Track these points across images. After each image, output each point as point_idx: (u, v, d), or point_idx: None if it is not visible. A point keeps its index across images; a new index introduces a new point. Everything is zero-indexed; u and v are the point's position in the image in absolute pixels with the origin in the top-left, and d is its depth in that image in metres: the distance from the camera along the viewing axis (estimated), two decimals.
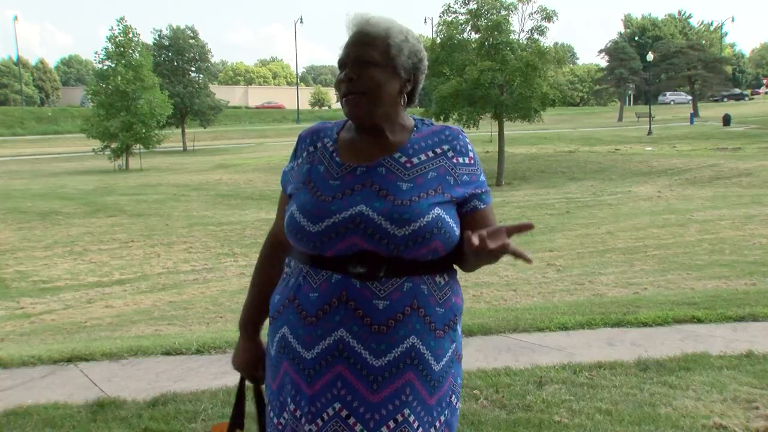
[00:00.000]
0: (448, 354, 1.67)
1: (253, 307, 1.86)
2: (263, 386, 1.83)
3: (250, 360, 1.85)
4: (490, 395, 3.87)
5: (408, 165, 1.66)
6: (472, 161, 1.73)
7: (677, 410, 3.64)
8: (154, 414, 3.66)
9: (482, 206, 1.72)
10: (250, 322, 1.87)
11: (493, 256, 1.53)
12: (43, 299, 11.21)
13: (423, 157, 1.68)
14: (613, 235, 15.40)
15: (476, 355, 4.75)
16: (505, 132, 29.58)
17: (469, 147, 1.74)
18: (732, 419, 3.50)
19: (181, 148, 48.91)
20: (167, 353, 4.86)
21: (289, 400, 1.66)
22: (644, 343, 4.97)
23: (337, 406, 1.59)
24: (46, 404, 3.84)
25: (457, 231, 1.65)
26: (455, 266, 1.76)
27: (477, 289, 10.57)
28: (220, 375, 4.28)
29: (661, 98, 74.26)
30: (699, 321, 5.60)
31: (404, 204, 1.59)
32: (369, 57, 1.66)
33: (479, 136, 41.88)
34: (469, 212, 1.69)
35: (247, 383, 1.91)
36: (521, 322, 5.58)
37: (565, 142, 41.01)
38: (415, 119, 1.78)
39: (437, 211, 1.60)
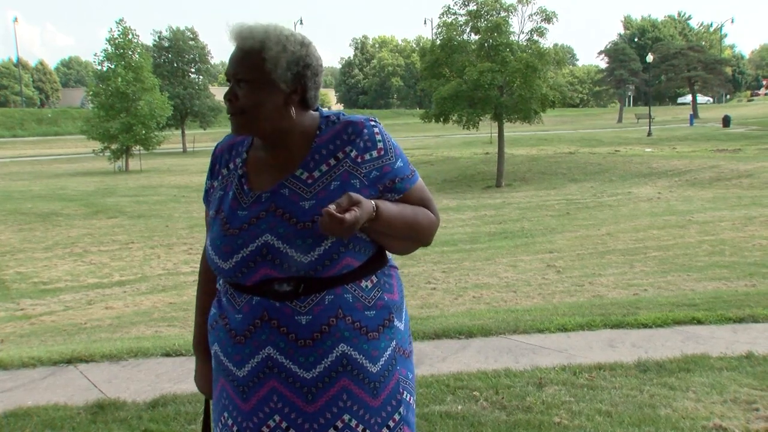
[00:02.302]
0: (387, 353, 1.65)
1: (202, 329, 1.84)
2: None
3: (209, 380, 1.82)
4: (490, 396, 3.87)
5: (309, 181, 1.62)
6: (382, 152, 1.65)
7: (677, 411, 3.64)
8: (154, 415, 3.67)
9: (396, 197, 1.66)
10: (202, 344, 1.85)
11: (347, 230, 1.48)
12: (43, 300, 11.20)
13: (324, 167, 1.63)
14: (613, 237, 15.40)
15: (476, 356, 4.75)
16: (505, 133, 29.55)
17: (378, 137, 1.65)
18: (732, 420, 3.50)
19: (181, 150, 48.94)
20: (167, 354, 4.86)
21: (226, 414, 1.68)
22: (644, 345, 4.97)
23: (277, 418, 1.61)
24: (46, 405, 3.84)
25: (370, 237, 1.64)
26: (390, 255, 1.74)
27: (477, 290, 10.57)
28: None
29: None
30: (699, 322, 5.60)
31: (306, 227, 1.56)
32: (243, 75, 1.60)
33: (479, 138, 41.93)
34: None
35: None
36: (521, 323, 5.58)
37: (565, 143, 41.01)
38: (322, 116, 1.70)
39: None
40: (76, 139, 49.56)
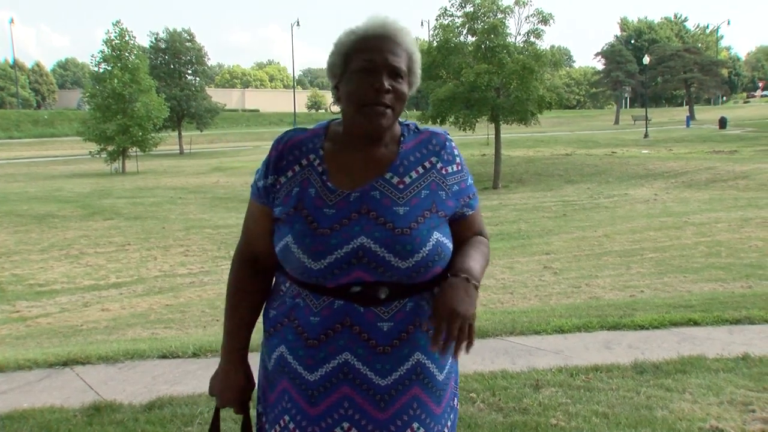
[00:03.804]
0: (449, 361, 1.68)
1: (236, 336, 1.75)
2: (252, 412, 1.78)
3: (240, 388, 1.76)
4: (487, 398, 3.87)
5: (401, 186, 1.61)
6: (460, 167, 1.70)
7: (674, 413, 3.64)
8: (150, 417, 3.66)
9: (469, 212, 1.71)
10: (236, 350, 1.76)
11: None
12: (39, 302, 11.18)
13: (414, 174, 1.64)
14: (609, 238, 15.41)
15: (473, 358, 4.75)
16: (501, 135, 29.60)
17: (455, 152, 1.70)
18: (728, 422, 3.50)
19: (178, 151, 48.91)
20: (164, 356, 4.86)
21: (287, 417, 1.63)
22: (641, 346, 4.97)
23: (346, 425, 1.58)
24: (42, 408, 3.83)
25: (452, 247, 1.65)
26: None
27: None
28: None
29: None
30: (695, 324, 5.60)
31: (405, 233, 1.55)
32: (402, 71, 1.62)
33: (476, 139, 41.95)
34: (456, 220, 1.69)
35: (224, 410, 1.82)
36: (518, 325, 5.58)
37: (561, 144, 41.07)
38: (401, 124, 1.71)
39: (436, 236, 1.59)
40: (73, 141, 49.51)
